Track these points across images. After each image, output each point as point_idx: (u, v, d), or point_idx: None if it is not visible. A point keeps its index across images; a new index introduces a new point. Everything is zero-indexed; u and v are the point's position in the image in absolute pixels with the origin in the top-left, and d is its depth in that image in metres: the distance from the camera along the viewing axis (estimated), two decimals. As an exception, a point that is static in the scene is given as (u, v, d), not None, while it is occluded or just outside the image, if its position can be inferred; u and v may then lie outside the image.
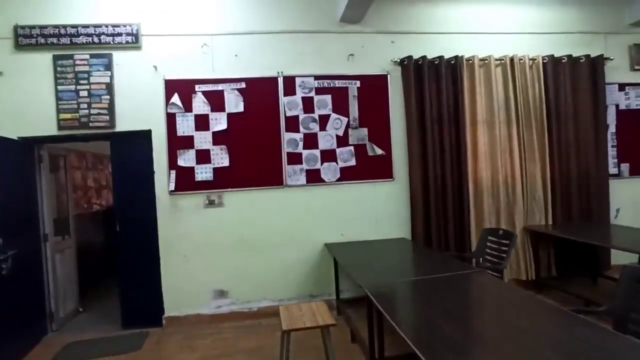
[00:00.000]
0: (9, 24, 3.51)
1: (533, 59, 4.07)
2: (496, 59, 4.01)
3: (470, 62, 3.96)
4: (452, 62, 3.93)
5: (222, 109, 3.70)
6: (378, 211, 3.92)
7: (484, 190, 3.95)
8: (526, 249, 4.01)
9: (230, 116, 3.71)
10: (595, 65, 4.18)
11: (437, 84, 3.91)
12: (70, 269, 4.11)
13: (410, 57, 3.88)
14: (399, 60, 3.92)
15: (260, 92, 3.74)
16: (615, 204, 4.27)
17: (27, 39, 3.53)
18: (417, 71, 3.89)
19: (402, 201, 3.94)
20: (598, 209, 4.17)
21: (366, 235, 3.88)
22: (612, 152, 4.32)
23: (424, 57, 3.88)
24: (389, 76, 3.92)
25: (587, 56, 4.15)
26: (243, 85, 3.73)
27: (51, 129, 3.55)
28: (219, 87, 3.70)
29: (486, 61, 4.00)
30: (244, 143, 3.71)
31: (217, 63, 3.72)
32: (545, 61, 4.08)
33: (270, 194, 3.77)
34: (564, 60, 4.11)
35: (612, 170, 4.31)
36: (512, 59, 4.02)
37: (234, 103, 3.72)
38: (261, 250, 3.76)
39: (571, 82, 4.13)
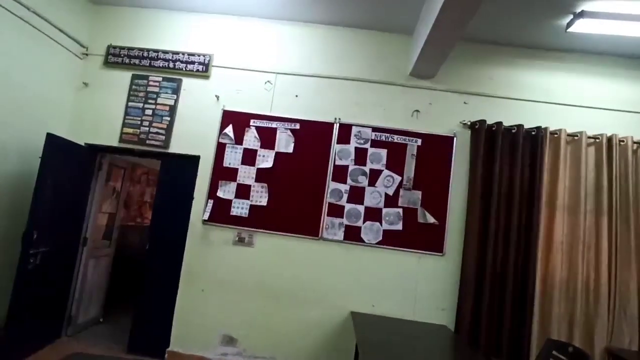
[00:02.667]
0: (104, 44, 3.87)
1: (638, 142, 3.39)
2: (589, 137, 3.41)
3: (556, 136, 3.42)
4: (533, 133, 3.42)
5: (272, 147, 3.60)
6: (420, 288, 3.39)
7: (555, 291, 3.23)
8: (606, 377, 3.13)
9: (278, 155, 3.58)
10: None
11: (511, 155, 3.41)
12: (102, 277, 4.15)
13: (483, 121, 3.47)
14: (469, 123, 3.52)
15: (313, 135, 3.59)
16: None
17: (115, 57, 3.85)
18: (489, 137, 3.45)
19: (450, 282, 3.38)
20: None
21: (401, 313, 3.35)
22: None
23: (499, 123, 3.44)
24: (455, 139, 3.52)
25: None
26: (297, 126, 3.61)
27: (113, 140, 3.73)
28: (273, 124, 3.63)
29: (576, 137, 3.42)
30: (286, 185, 3.53)
31: (277, 101, 3.68)
32: (653, 147, 3.38)
33: (303, 244, 3.48)
34: (681, 150, 3.37)
35: None
36: (610, 139, 3.39)
37: (285, 143, 3.59)
38: (281, 302, 3.43)
39: (690, 178, 3.33)
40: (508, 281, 3.24)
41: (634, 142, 3.40)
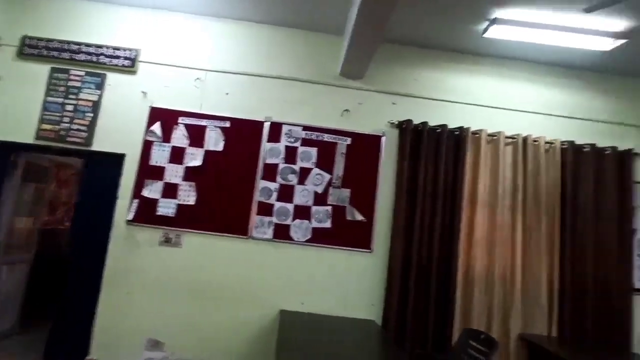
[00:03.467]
0: (17, 34, 3.62)
1: (550, 143, 3.64)
2: (507, 137, 3.62)
3: (477, 136, 3.60)
4: (456, 133, 3.58)
5: (201, 145, 3.52)
6: (349, 284, 3.44)
7: (475, 283, 3.39)
8: (520, 362, 3.32)
9: (208, 153, 3.51)
10: (623, 159, 3.67)
11: (436, 153, 3.55)
12: (19, 284, 3.87)
13: (409, 121, 3.58)
14: (397, 123, 3.63)
15: (244, 134, 3.55)
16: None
17: (31, 49, 3.61)
18: (415, 136, 3.57)
19: (378, 278, 3.45)
20: (618, 328, 3.45)
21: (330, 310, 3.38)
22: (638, 261, 3.64)
23: (424, 123, 3.57)
24: (384, 138, 3.62)
25: (614, 148, 3.66)
26: (227, 124, 3.56)
27: (28, 138, 3.49)
28: (203, 122, 3.55)
29: (495, 137, 3.61)
30: (215, 184, 3.46)
31: (207, 99, 3.61)
32: (564, 147, 3.64)
33: (232, 243, 3.42)
34: (586, 149, 3.65)
35: (638, 284, 3.61)
36: (525, 139, 3.61)
37: (214, 141, 3.53)
38: (210, 303, 3.35)
39: (594, 175, 3.61)
40: (432, 275, 3.36)
41: (546, 142, 3.64)
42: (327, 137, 3.58)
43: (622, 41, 3.26)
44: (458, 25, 3.40)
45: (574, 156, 3.62)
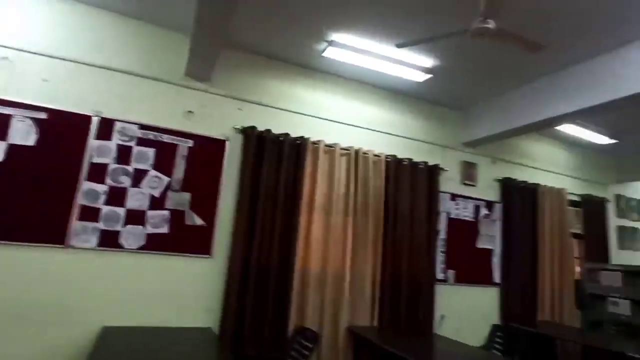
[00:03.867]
0: None
1: (377, 155, 4.17)
2: (342, 148, 4.01)
3: (316, 146, 3.89)
4: (298, 142, 3.81)
5: (3, 138, 2.94)
6: (186, 292, 3.30)
7: (311, 282, 3.64)
8: (348, 352, 3.67)
9: (14, 147, 2.96)
10: (432, 173, 4.45)
11: (278, 161, 3.70)
12: None
13: (254, 128, 3.67)
14: (241, 128, 3.67)
15: (66, 128, 3.11)
16: (441, 310, 4.28)
17: None
18: (259, 143, 3.66)
19: (219, 283, 3.41)
20: (424, 314, 4.12)
21: (164, 321, 3.18)
22: (441, 257, 4.45)
23: (268, 131, 3.70)
24: (227, 143, 3.62)
25: (426, 163, 4.41)
26: (43, 115, 3.07)
27: None
28: (8, 110, 2.99)
29: (332, 148, 3.97)
30: (22, 184, 2.93)
31: (16, 83, 3.05)
32: (388, 160, 4.21)
33: (45, 254, 2.94)
34: (405, 163, 4.29)
35: (440, 275, 4.39)
36: (357, 151, 4.06)
37: (24, 133, 3.00)
38: (16, 327, 2.80)
39: (410, 185, 4.28)
40: (271, 277, 3.48)
41: (374, 155, 4.16)
42: (166, 138, 3.40)
43: (429, 76, 3.97)
44: (302, 42, 3.64)
45: (395, 168, 4.23)
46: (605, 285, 5.12)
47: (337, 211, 3.86)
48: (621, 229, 6.05)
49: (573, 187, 5.58)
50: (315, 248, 3.71)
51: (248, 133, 3.66)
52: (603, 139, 5.25)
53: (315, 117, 4.04)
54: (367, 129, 4.29)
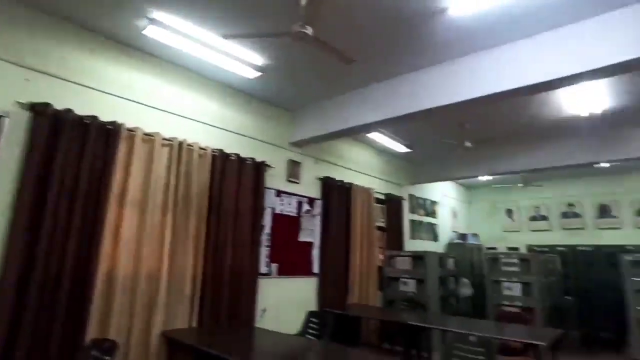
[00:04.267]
0: None
1: (203, 149, 4.00)
2: (164, 139, 3.69)
3: (132, 133, 3.47)
4: (109, 127, 3.32)
5: None
6: None
7: (118, 285, 3.22)
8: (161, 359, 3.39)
9: None
10: (259, 169, 4.53)
11: (81, 147, 3.15)
12: None
13: (48, 105, 3.02)
14: (29, 104, 2.97)
15: None
16: (264, 303, 4.39)
17: None
18: (55, 124, 3.03)
19: (-17, 297, 2.67)
20: (246, 309, 4.15)
21: None
22: (265, 251, 4.57)
23: (69, 110, 3.10)
24: (7, 119, 2.88)
25: (253, 159, 4.46)
26: None
27: None
28: None
29: (152, 137, 3.61)
30: None
31: None
32: (215, 154, 4.08)
33: None
34: (232, 158, 4.24)
35: (264, 269, 4.51)
36: (181, 143, 3.81)
37: None
38: None
39: (237, 180, 4.25)
40: (63, 283, 2.92)
41: (200, 148, 3.97)
42: None
43: (259, 74, 4.02)
44: (119, 15, 3.19)
45: (222, 163, 4.13)
46: (398, 268, 6.17)
47: (154, 206, 3.53)
48: (412, 222, 7.43)
49: (379, 187, 6.55)
50: (126, 247, 3.30)
51: (39, 110, 2.99)
52: (401, 148, 6.33)
53: (133, 101, 3.61)
54: (194, 120, 4.07)
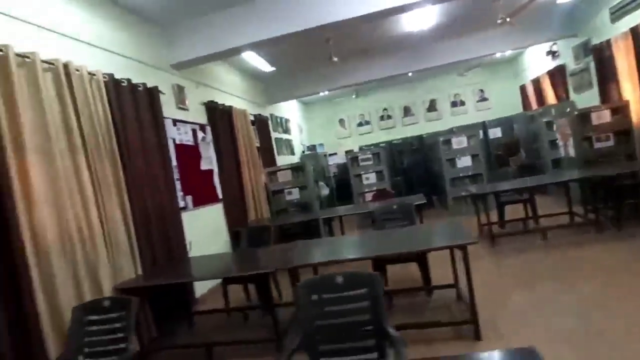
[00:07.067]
0: None
1: (92, 74, 3.22)
2: (44, 61, 2.80)
3: (2, 53, 2.51)
4: (-33, 45, 2.32)
5: None
6: None
7: (51, 249, 2.58)
8: (118, 316, 3.01)
9: None
10: (152, 96, 3.96)
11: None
12: None
13: None
14: None
15: None
16: (188, 236, 4.20)
17: None
18: None
19: None
20: (177, 245, 3.93)
21: None
22: (177, 185, 4.24)
23: None
24: None
25: (145, 85, 3.85)
26: None
27: None
28: None
29: (28, 59, 2.69)
30: None
31: None
32: (105, 80, 3.35)
33: None
34: (123, 84, 3.57)
35: (181, 203, 4.23)
36: (66, 66, 2.96)
37: None
38: None
39: (134, 110, 3.65)
40: (-14, 265, 2.18)
41: (89, 73, 3.18)
42: None
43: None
44: None
45: (115, 90, 3.44)
46: (281, 181, 6.65)
47: (61, 150, 2.79)
48: (277, 140, 7.85)
49: (248, 109, 6.58)
50: (44, 205, 2.59)
51: None
52: (266, 66, 6.40)
53: (-11, 7, 2.54)
54: (75, 39, 3.17)
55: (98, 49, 3.47)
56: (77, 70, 3.06)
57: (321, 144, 10.24)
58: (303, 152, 9.54)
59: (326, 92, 8.90)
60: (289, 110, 9.16)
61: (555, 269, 3.67)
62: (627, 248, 3.85)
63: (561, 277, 3.42)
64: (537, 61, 8.37)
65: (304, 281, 1.91)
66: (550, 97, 7.76)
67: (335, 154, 10.38)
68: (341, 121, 10.84)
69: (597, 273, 3.37)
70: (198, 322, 3.76)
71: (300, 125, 10.09)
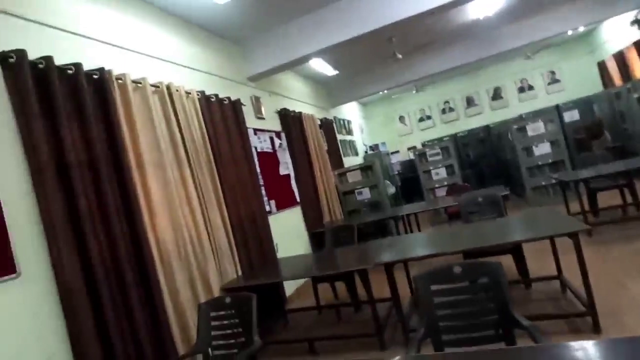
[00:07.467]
0: None
1: (188, 92, 3.52)
2: (152, 85, 3.12)
3: (121, 81, 2.84)
4: (96, 76, 2.64)
5: None
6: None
7: (171, 255, 2.85)
8: (226, 314, 3.24)
9: None
10: (236, 108, 4.22)
11: (76, 105, 2.47)
12: None
13: (22, 52, 2.22)
14: (-3, 56, 2.16)
15: None
16: (274, 238, 4.40)
17: None
18: (38, 79, 2.29)
19: (47, 314, 2.11)
20: (267, 247, 4.13)
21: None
22: (262, 191, 4.46)
23: (49, 58, 2.34)
24: (-22, 79, 2.06)
25: (229, 99, 4.12)
26: None
27: None
28: None
29: (140, 85, 3.01)
30: None
31: None
32: (199, 97, 3.64)
33: None
34: (213, 99, 3.85)
35: (266, 208, 4.45)
36: (168, 87, 3.27)
37: None
38: None
39: (223, 122, 3.92)
40: (126, 273, 2.46)
41: (186, 92, 3.48)
42: None
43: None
44: None
45: (207, 106, 3.72)
46: (351, 182, 6.72)
47: (170, 163, 3.08)
48: (341, 142, 7.95)
49: (315, 113, 6.74)
50: (161, 215, 2.88)
51: (12, 62, 2.19)
52: (330, 71, 6.53)
53: (107, 43, 2.88)
54: (171, 62, 3.50)
55: (189, 69, 3.77)
56: (177, 90, 3.36)
57: (383, 143, 10.18)
58: (366, 152, 9.56)
59: (385, 91, 8.87)
60: (350, 111, 9.24)
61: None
62: None
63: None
64: (618, 33, 7.68)
65: (422, 273, 1.94)
66: (639, 71, 7.07)
67: (398, 151, 10.27)
68: (401, 118, 10.71)
69: None
70: (291, 319, 3.92)
71: (361, 126, 10.12)
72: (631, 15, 6.83)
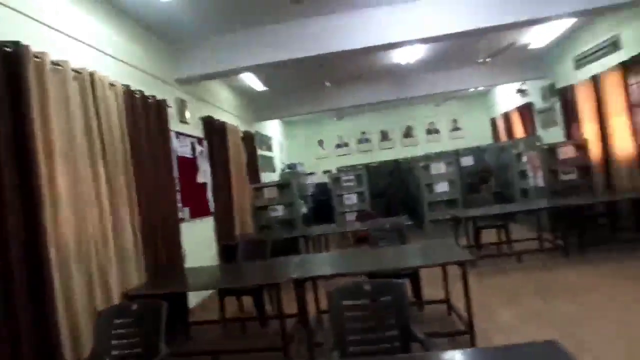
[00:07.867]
0: None
1: (112, 84, 3.31)
2: (73, 70, 2.88)
3: (39, 60, 2.58)
4: (9, 49, 2.38)
5: None
6: None
7: (71, 255, 2.61)
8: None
9: None
10: (161, 108, 4.06)
11: (-19, 77, 2.19)
12: None
13: None
14: None
15: None
16: (184, 246, 4.24)
17: None
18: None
19: None
20: (176, 254, 3.97)
21: None
22: (177, 196, 4.30)
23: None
24: None
25: (154, 97, 3.95)
26: None
27: None
28: None
29: (60, 67, 2.77)
30: None
31: None
32: (123, 90, 3.43)
33: None
34: (137, 95, 3.66)
35: (180, 214, 4.28)
36: (92, 75, 3.05)
37: None
38: None
39: (145, 121, 3.73)
40: (15, 269, 2.20)
41: (110, 84, 3.26)
42: None
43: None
44: None
45: (130, 101, 3.53)
46: (266, 197, 6.77)
47: (83, 156, 2.85)
48: (261, 157, 8.00)
49: (239, 125, 6.73)
50: (67, 210, 2.63)
51: None
52: (260, 86, 6.62)
53: (29, 17, 2.61)
54: (94, 47, 3.25)
55: (115, 60, 3.56)
56: (100, 79, 3.15)
57: (301, 163, 10.46)
58: (283, 170, 9.71)
59: (309, 114, 9.22)
60: (273, 128, 9.37)
61: (534, 288, 4.04)
62: (592, 270, 4.32)
63: (541, 295, 3.78)
64: (507, 97, 9.15)
65: (336, 288, 2.09)
66: (519, 131, 8.48)
67: (314, 173, 10.64)
68: (320, 142, 11.16)
69: (568, 292, 3.77)
70: (195, 332, 3.78)
71: (282, 144, 10.30)
72: (517, 85, 8.24)
